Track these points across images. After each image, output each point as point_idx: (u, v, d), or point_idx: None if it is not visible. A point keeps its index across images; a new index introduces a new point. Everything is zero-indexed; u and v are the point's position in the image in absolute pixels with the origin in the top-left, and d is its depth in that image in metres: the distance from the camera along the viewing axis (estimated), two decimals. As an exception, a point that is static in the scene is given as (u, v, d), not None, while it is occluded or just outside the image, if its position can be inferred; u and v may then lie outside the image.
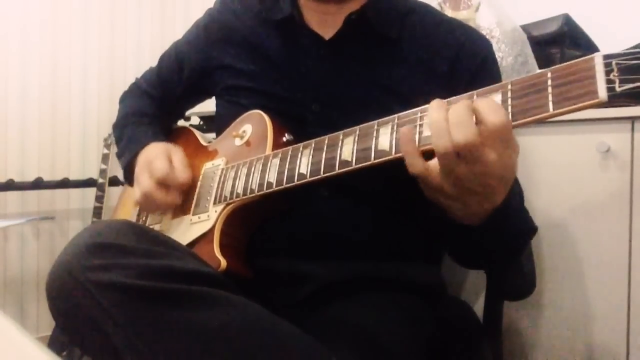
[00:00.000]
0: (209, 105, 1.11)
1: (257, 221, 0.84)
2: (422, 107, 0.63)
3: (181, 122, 1.24)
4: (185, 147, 0.99)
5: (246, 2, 0.97)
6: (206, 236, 0.81)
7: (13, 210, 2.13)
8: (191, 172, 0.90)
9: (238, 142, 0.88)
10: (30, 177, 2.13)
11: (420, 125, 0.61)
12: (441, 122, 0.57)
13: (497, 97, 0.58)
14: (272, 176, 0.76)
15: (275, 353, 0.58)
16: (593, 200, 1.10)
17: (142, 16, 2.44)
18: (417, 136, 0.61)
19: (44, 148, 2.20)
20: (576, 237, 1.13)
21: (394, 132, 0.64)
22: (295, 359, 0.59)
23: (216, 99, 1.01)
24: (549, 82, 0.53)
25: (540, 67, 1.30)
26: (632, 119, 1.06)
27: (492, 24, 1.33)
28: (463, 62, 0.86)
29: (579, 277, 1.13)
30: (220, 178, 0.86)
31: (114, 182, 2.16)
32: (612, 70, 0.49)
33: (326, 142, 0.72)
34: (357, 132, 0.68)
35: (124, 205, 1.16)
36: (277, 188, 0.75)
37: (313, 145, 0.73)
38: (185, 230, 0.86)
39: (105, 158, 2.11)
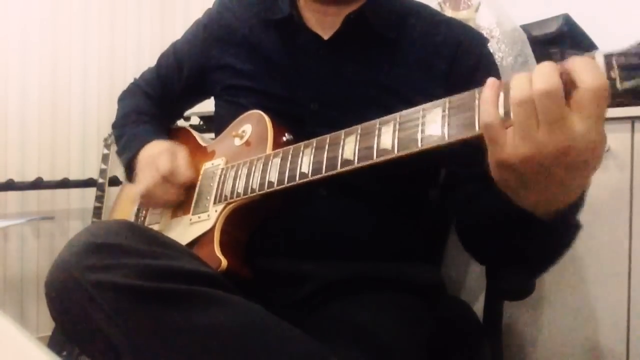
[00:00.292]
0: (208, 105, 1.11)
1: (256, 221, 0.84)
2: (424, 105, 0.62)
3: (181, 122, 1.24)
4: (184, 147, 0.99)
5: (245, 2, 0.97)
6: (206, 236, 0.81)
7: (13, 210, 2.13)
8: (193, 171, 0.90)
9: (238, 142, 0.88)
10: (30, 177, 2.13)
11: (423, 124, 0.61)
12: (523, 77, 0.51)
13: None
14: (273, 175, 0.76)
15: (274, 353, 0.58)
16: (593, 200, 1.09)
17: (142, 16, 2.44)
18: (419, 135, 0.61)
19: (44, 148, 2.20)
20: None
21: (396, 131, 0.64)
22: (294, 359, 0.59)
23: (215, 99, 1.01)
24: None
25: (540, 67, 1.30)
26: (632, 119, 1.06)
27: (492, 24, 1.33)
28: (461, 61, 0.87)
29: (579, 277, 1.13)
30: (220, 178, 0.86)
31: (114, 182, 2.16)
32: (612, 68, 0.49)
33: (328, 141, 0.72)
34: (359, 131, 0.68)
35: (121, 205, 1.16)
36: (278, 187, 0.75)
37: (314, 144, 0.73)
38: (185, 230, 0.86)
39: (105, 158, 2.11)
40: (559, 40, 1.33)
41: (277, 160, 0.77)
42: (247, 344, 0.57)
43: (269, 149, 0.81)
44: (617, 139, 1.07)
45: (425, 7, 0.96)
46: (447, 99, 0.60)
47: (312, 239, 0.83)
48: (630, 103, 1.03)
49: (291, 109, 0.87)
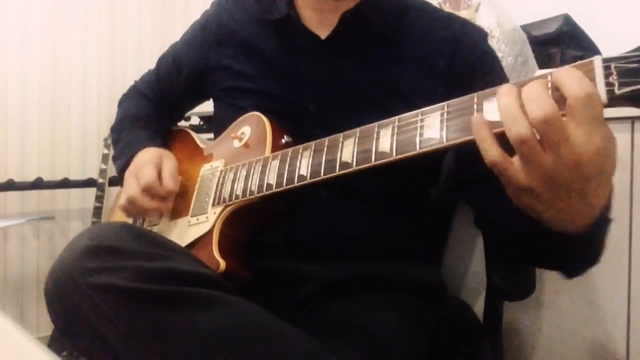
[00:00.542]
0: (208, 106, 1.11)
1: (255, 223, 0.84)
2: (423, 109, 0.63)
3: (181, 122, 1.24)
4: (183, 149, 0.99)
5: (243, 3, 0.97)
6: (205, 238, 0.81)
7: (13, 210, 2.13)
8: (179, 181, 0.90)
9: (236, 143, 0.88)
10: (30, 177, 2.13)
11: (421, 127, 0.61)
12: (513, 105, 0.51)
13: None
14: (271, 178, 0.76)
15: (275, 354, 0.58)
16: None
17: (142, 16, 2.44)
18: (417, 138, 0.61)
19: (44, 148, 2.20)
20: (576, 237, 1.12)
21: (394, 134, 0.64)
22: (295, 359, 0.59)
23: (214, 100, 1.01)
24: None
25: (540, 68, 1.30)
26: (632, 119, 1.06)
27: (492, 24, 1.33)
28: (461, 57, 0.85)
29: (578, 277, 1.13)
30: (218, 180, 0.86)
31: (114, 182, 2.15)
32: (611, 74, 0.49)
33: (326, 143, 0.72)
34: (358, 134, 0.68)
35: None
36: (276, 190, 0.75)
37: (313, 147, 0.73)
38: (184, 232, 0.86)
39: (105, 158, 2.11)
40: (559, 40, 1.32)
41: (276, 163, 0.77)
42: (248, 345, 0.57)
43: (267, 151, 0.81)
44: (617, 139, 1.07)
45: (425, 4, 0.95)
46: (445, 103, 0.60)
47: (313, 239, 0.83)
48: (630, 106, 1.03)
49: (290, 110, 0.87)
